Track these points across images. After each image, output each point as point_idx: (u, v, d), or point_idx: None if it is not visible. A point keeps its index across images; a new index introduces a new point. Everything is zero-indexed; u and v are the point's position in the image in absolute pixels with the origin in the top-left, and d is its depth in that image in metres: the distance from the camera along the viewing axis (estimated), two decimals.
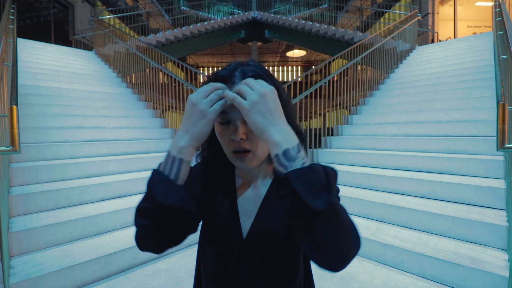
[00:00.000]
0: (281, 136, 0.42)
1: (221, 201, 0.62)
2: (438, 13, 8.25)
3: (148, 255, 2.12)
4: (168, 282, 1.85)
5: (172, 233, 0.48)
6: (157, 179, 0.46)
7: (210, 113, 0.46)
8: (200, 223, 0.67)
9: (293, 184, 0.38)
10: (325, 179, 0.39)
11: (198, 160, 0.64)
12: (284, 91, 0.55)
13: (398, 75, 5.43)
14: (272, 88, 0.45)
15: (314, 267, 0.53)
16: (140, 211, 0.46)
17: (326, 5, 11.88)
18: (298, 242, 0.41)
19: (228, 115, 0.51)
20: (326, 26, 8.31)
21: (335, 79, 4.85)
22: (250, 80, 0.47)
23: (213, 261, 0.60)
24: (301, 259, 0.60)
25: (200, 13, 11.29)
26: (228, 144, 0.52)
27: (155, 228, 0.46)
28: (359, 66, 5.48)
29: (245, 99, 0.44)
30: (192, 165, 0.60)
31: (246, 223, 0.59)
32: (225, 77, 0.51)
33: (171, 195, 0.44)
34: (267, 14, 10.23)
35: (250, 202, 0.60)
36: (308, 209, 0.37)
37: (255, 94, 0.44)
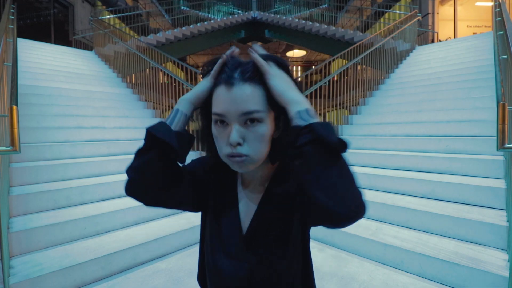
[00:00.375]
0: (302, 97, 0.48)
1: (222, 200, 0.63)
2: (438, 13, 8.25)
3: (148, 255, 2.12)
4: (168, 282, 1.85)
5: (160, 178, 0.52)
6: (157, 123, 0.53)
7: (210, 71, 0.53)
8: (200, 229, 0.68)
9: (318, 131, 0.42)
10: (338, 135, 0.44)
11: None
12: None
13: (398, 75, 5.42)
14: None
15: (315, 268, 0.53)
16: (136, 153, 0.52)
17: (326, 5, 11.87)
18: (314, 195, 0.42)
19: (225, 118, 0.50)
20: (326, 26, 8.31)
21: (335, 79, 4.85)
22: (271, 62, 0.52)
23: (215, 258, 0.61)
24: (300, 257, 0.61)
25: (200, 13, 11.29)
26: (224, 147, 0.51)
27: (144, 168, 0.51)
28: (359, 66, 5.48)
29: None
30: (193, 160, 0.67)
31: (246, 221, 0.60)
32: (224, 79, 0.51)
33: (162, 129, 0.51)
34: (267, 14, 10.23)
35: (250, 201, 0.61)
36: (329, 153, 0.42)
37: (276, 69, 0.51)
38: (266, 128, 0.51)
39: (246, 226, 0.60)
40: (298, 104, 0.46)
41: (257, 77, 0.50)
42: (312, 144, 0.42)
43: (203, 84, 0.54)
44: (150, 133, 0.51)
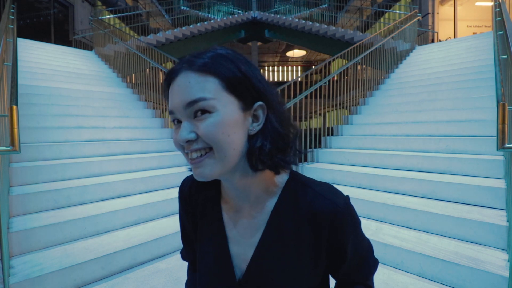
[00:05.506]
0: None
1: (208, 235, 0.53)
2: (438, 13, 8.25)
3: (148, 254, 2.12)
4: (168, 282, 1.85)
5: None
6: None
7: None
8: None
9: None
10: None
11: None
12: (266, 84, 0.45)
13: (398, 75, 5.43)
14: None
15: None
16: None
17: (326, 5, 11.88)
18: None
19: (175, 115, 0.42)
20: (326, 26, 8.31)
21: (335, 79, 4.85)
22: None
23: None
24: None
25: (200, 13, 11.28)
26: (183, 152, 0.43)
27: None
28: (359, 66, 5.48)
29: None
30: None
31: (240, 259, 0.49)
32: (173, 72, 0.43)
33: None
34: (267, 14, 10.23)
35: (243, 233, 0.49)
36: None
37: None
38: (220, 117, 0.40)
39: (240, 266, 0.49)
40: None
41: (211, 68, 0.40)
42: None
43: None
44: None
